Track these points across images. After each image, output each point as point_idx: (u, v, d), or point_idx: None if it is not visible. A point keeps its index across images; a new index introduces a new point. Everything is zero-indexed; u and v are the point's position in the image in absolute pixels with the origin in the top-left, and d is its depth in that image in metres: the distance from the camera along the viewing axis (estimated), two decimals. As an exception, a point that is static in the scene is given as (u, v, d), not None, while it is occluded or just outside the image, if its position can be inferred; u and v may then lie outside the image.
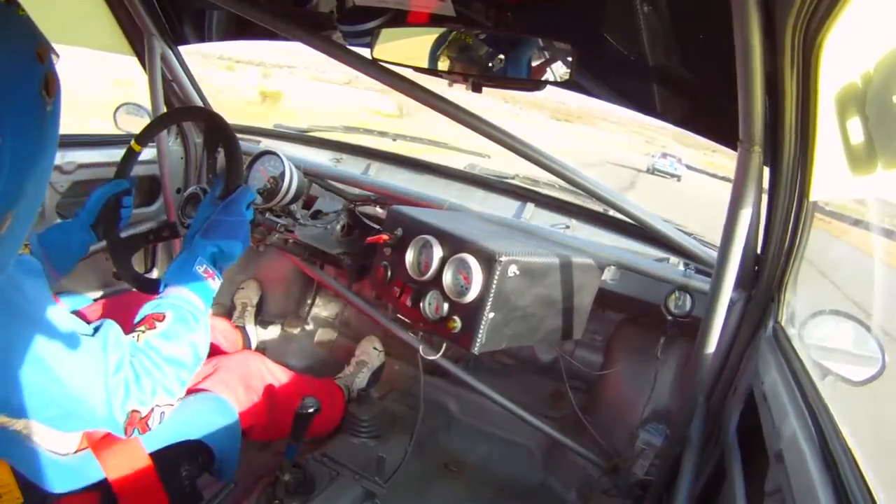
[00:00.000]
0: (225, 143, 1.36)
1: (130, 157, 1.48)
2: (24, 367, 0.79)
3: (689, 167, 28.03)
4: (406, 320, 1.96)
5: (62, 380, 0.82)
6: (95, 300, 1.62)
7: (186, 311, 1.03)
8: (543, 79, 1.33)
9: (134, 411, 0.90)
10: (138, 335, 0.96)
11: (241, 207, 1.23)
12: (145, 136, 1.48)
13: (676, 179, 24.46)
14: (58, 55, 0.73)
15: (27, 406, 0.83)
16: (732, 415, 1.30)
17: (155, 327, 0.98)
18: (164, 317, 1.00)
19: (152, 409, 0.92)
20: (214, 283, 1.12)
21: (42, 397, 0.82)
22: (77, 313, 1.46)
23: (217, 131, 1.41)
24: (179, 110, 1.81)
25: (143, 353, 0.93)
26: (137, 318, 1.02)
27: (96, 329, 0.90)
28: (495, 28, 1.38)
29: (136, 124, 2.06)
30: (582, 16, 1.35)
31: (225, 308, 2.35)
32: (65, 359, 0.82)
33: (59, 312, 0.84)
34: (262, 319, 2.32)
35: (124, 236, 1.45)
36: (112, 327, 0.91)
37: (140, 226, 2.20)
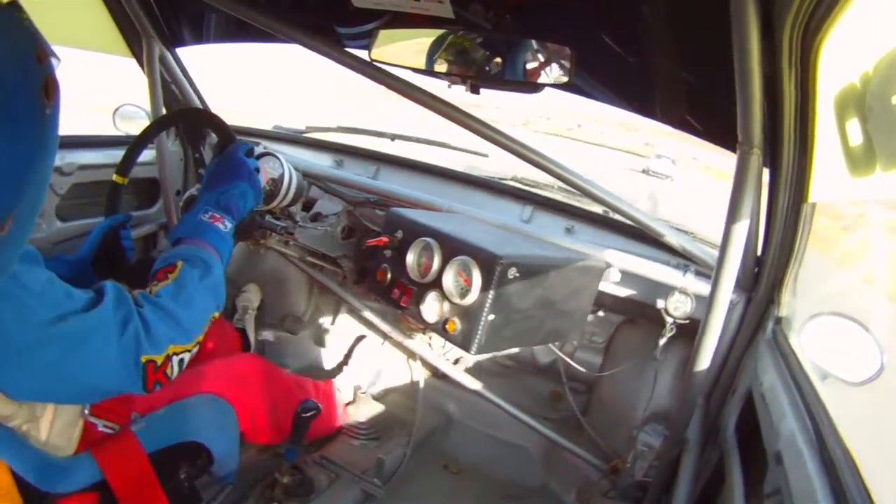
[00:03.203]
0: (209, 124, 1.36)
1: (116, 191, 1.42)
2: (35, 355, 0.79)
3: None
4: (407, 322, 1.97)
5: (75, 358, 0.83)
6: None
7: (198, 258, 1.03)
8: (542, 81, 1.33)
9: (149, 362, 0.89)
10: (151, 288, 0.96)
11: (236, 154, 1.23)
12: (125, 167, 1.41)
13: (670, 180, 24.84)
14: (58, 58, 0.73)
15: (47, 391, 0.85)
16: (731, 416, 1.30)
17: (166, 278, 0.98)
18: (174, 267, 1.00)
19: (169, 358, 0.92)
20: (224, 226, 1.11)
21: (59, 379, 0.83)
22: None
23: (197, 125, 1.40)
24: (152, 126, 1.79)
25: (153, 304, 0.93)
26: (150, 274, 1.02)
27: (97, 291, 0.89)
28: (494, 30, 1.38)
29: (135, 126, 2.06)
30: (580, 18, 1.36)
31: (225, 310, 2.34)
32: (73, 337, 0.82)
33: (57, 289, 0.84)
34: (262, 322, 2.32)
35: (133, 263, 1.43)
36: (112, 287, 0.90)
37: (140, 228, 2.21)
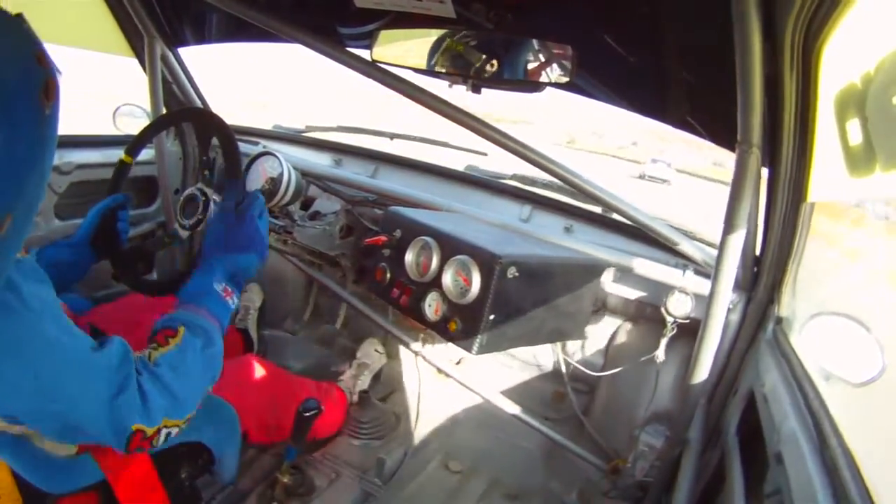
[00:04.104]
0: (222, 141, 1.36)
1: (122, 170, 1.46)
2: (22, 378, 0.77)
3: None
4: (407, 322, 1.97)
5: (63, 394, 0.81)
6: (95, 301, 1.62)
7: (200, 328, 1.01)
8: (542, 80, 1.33)
9: (139, 430, 0.88)
10: (150, 352, 0.95)
11: (253, 216, 1.23)
12: (135, 148, 1.46)
13: (667, 184, 24.96)
14: (60, 72, 0.73)
15: (27, 416, 0.82)
16: (732, 416, 1.30)
17: (167, 344, 0.96)
18: (176, 333, 0.98)
19: (159, 430, 0.90)
20: (232, 301, 1.11)
21: (41, 409, 0.81)
22: (80, 316, 1.46)
23: (210, 129, 1.41)
24: (168, 116, 1.83)
25: (152, 372, 0.91)
26: (151, 333, 1.01)
27: (102, 344, 0.88)
28: (495, 30, 1.38)
29: (135, 126, 2.06)
30: (582, 17, 1.36)
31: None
32: (66, 373, 0.81)
33: (63, 323, 0.83)
34: (262, 321, 2.31)
35: (127, 248, 1.44)
36: (120, 343, 0.89)
37: (139, 227, 2.21)
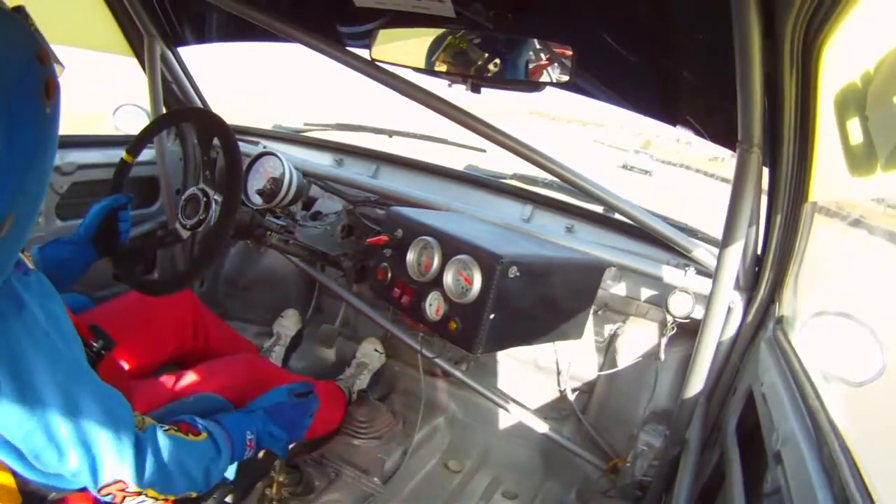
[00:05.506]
0: (222, 141, 1.37)
1: (123, 169, 1.48)
2: (18, 392, 0.77)
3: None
4: (408, 321, 1.97)
5: (58, 409, 0.81)
6: (95, 301, 1.61)
7: (219, 445, 1.07)
8: (543, 80, 1.33)
9: (120, 481, 0.88)
10: (168, 428, 0.98)
11: (309, 410, 1.36)
12: (136, 147, 1.48)
13: (649, 175, 26.01)
14: (63, 66, 0.73)
15: (15, 432, 0.80)
16: (732, 416, 1.30)
17: (186, 435, 1.01)
18: (199, 433, 1.04)
19: (139, 493, 0.91)
20: (248, 453, 1.18)
21: (32, 422, 0.79)
22: (79, 316, 1.46)
23: (211, 129, 1.42)
24: (168, 115, 1.82)
25: (159, 445, 0.93)
26: (174, 418, 1.05)
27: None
28: (495, 30, 1.38)
29: (136, 125, 2.06)
30: (582, 17, 1.36)
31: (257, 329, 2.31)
32: (69, 388, 0.81)
33: (70, 339, 0.84)
34: (292, 353, 2.28)
35: (127, 248, 1.45)
36: (129, 407, 0.92)
37: (140, 227, 2.21)
